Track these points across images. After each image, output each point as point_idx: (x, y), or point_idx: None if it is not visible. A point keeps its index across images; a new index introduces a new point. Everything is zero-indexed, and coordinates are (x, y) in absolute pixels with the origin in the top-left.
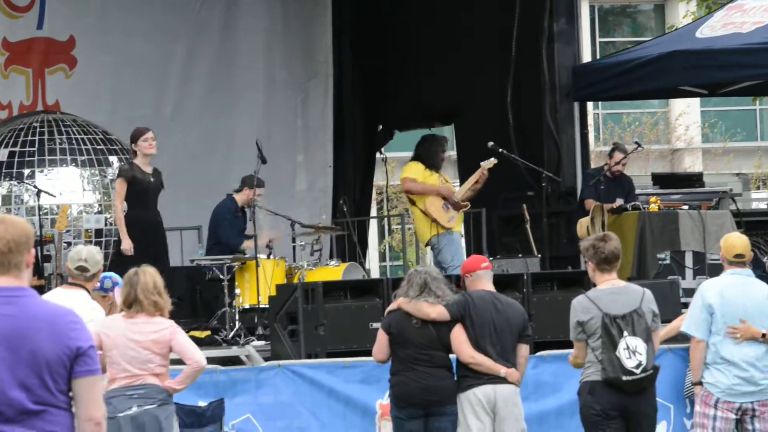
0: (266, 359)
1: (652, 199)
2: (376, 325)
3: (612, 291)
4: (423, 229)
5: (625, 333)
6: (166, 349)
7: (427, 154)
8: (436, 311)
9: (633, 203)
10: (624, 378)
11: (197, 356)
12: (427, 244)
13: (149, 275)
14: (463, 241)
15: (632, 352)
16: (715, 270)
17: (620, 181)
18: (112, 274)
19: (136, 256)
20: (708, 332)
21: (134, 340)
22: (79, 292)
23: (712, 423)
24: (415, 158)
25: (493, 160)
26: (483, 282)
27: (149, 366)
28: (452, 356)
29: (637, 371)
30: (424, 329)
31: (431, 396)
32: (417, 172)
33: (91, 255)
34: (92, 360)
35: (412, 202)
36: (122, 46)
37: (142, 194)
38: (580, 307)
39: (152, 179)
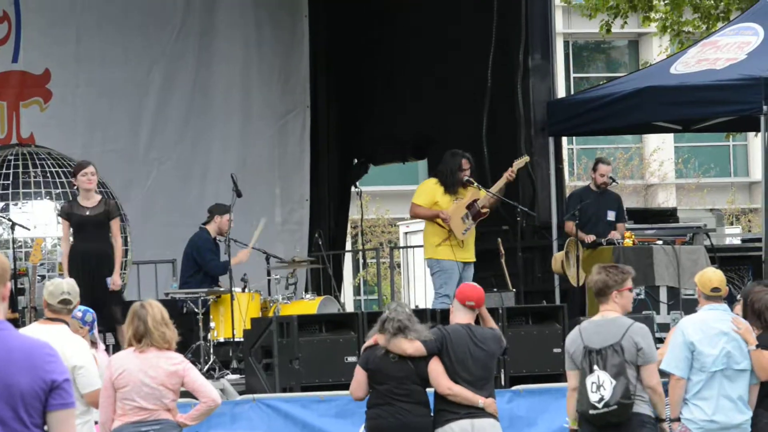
0: (241, 393)
1: (627, 234)
2: (351, 359)
3: (599, 323)
4: (429, 243)
5: (595, 367)
6: (179, 384)
7: (444, 170)
8: (413, 347)
9: (607, 238)
10: (590, 412)
11: (212, 394)
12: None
13: (156, 307)
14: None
15: (598, 387)
16: (689, 305)
17: (609, 196)
18: (88, 308)
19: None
20: (688, 369)
21: (149, 375)
22: (59, 327)
23: None
24: (433, 174)
25: (525, 158)
26: (464, 315)
27: (163, 401)
28: (429, 391)
29: (599, 406)
30: (401, 364)
31: None
32: (426, 192)
33: (72, 287)
34: (67, 393)
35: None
36: (98, 77)
37: (79, 227)
38: (570, 337)
39: (90, 212)
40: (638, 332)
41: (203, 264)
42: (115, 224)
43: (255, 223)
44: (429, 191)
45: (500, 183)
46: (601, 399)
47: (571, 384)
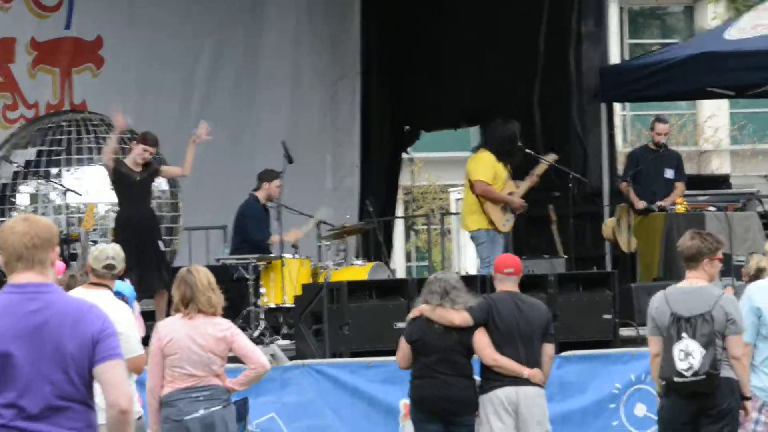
0: (291, 359)
1: (679, 200)
2: (400, 324)
3: (686, 290)
4: (471, 218)
5: (684, 335)
6: (227, 350)
7: (498, 143)
8: (460, 317)
9: (659, 204)
10: (675, 379)
11: (261, 359)
12: (469, 232)
13: (202, 273)
14: None
15: (686, 355)
16: (741, 272)
17: (668, 154)
18: (124, 287)
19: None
20: (755, 335)
21: (197, 342)
22: (103, 291)
23: (753, 427)
24: (484, 146)
25: (551, 157)
26: (507, 284)
27: (212, 368)
28: (475, 359)
29: (687, 374)
30: (446, 334)
31: (448, 405)
32: (488, 168)
33: (117, 253)
34: (113, 344)
35: (471, 189)
36: (150, 43)
37: (128, 191)
38: (654, 303)
39: (140, 176)
40: (729, 302)
41: (245, 234)
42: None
43: (311, 195)
44: (489, 165)
45: (525, 185)
46: (690, 367)
47: (654, 350)
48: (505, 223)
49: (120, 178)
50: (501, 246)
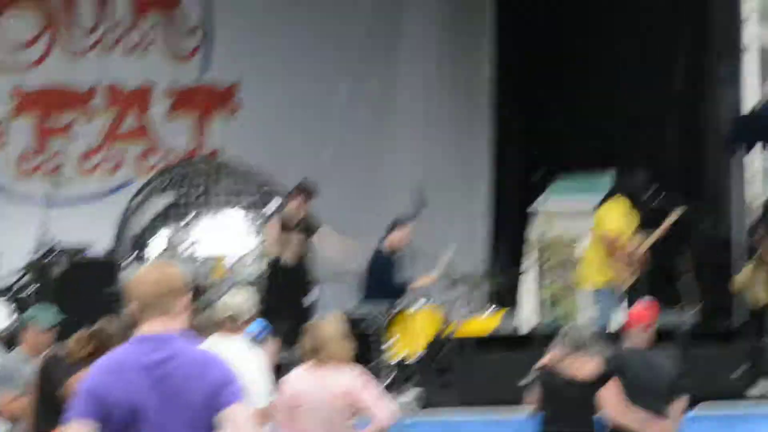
0: (420, 409)
1: None
2: (529, 377)
3: None
4: (590, 273)
5: None
6: (354, 400)
7: (632, 192)
8: (588, 368)
9: None
10: None
11: (386, 412)
12: (593, 287)
13: (333, 321)
14: None
15: None
16: None
17: None
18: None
19: (280, 304)
20: None
21: (323, 395)
22: (232, 339)
23: None
24: (618, 193)
25: (682, 208)
26: (637, 339)
27: (339, 419)
28: (596, 417)
29: None
30: (571, 387)
31: None
32: (619, 218)
33: (239, 304)
34: (234, 390)
35: (599, 239)
36: (285, 90)
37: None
38: None
39: (297, 227)
40: None
41: (379, 280)
42: (318, 236)
43: (440, 242)
44: (623, 217)
45: (653, 237)
46: None
47: None
48: (629, 278)
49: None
50: (618, 303)
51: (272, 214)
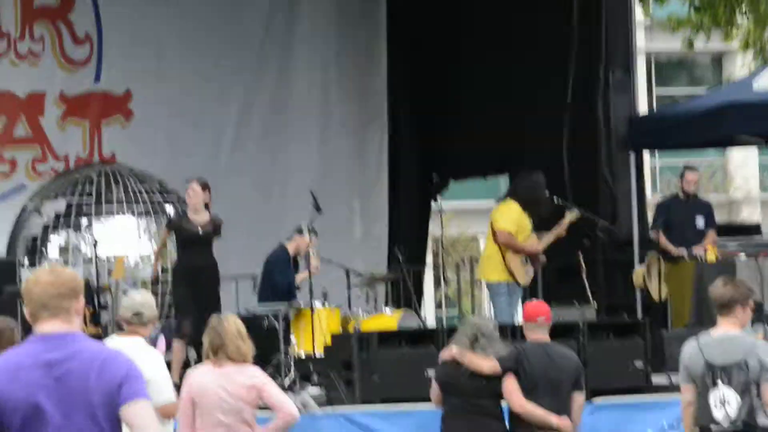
0: (321, 406)
1: (710, 248)
2: (431, 372)
3: (720, 338)
4: (491, 268)
5: (719, 383)
6: (257, 398)
7: (525, 193)
8: (489, 365)
9: (690, 253)
10: (712, 427)
11: (290, 408)
12: (487, 282)
13: (232, 321)
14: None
15: (722, 403)
16: None
17: (698, 203)
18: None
19: (186, 304)
20: None
21: (227, 390)
22: (134, 339)
23: None
24: (510, 196)
25: (574, 214)
26: (538, 332)
27: (242, 416)
28: (504, 406)
29: (724, 423)
30: (473, 379)
31: None
32: (512, 218)
33: (145, 301)
34: (138, 386)
35: (494, 238)
36: (179, 94)
37: (187, 243)
38: (687, 351)
39: (199, 228)
40: (764, 350)
41: (272, 278)
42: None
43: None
44: (514, 216)
45: (549, 237)
46: (726, 416)
47: (686, 398)
48: (525, 275)
49: (178, 231)
50: (518, 299)
51: (176, 219)
